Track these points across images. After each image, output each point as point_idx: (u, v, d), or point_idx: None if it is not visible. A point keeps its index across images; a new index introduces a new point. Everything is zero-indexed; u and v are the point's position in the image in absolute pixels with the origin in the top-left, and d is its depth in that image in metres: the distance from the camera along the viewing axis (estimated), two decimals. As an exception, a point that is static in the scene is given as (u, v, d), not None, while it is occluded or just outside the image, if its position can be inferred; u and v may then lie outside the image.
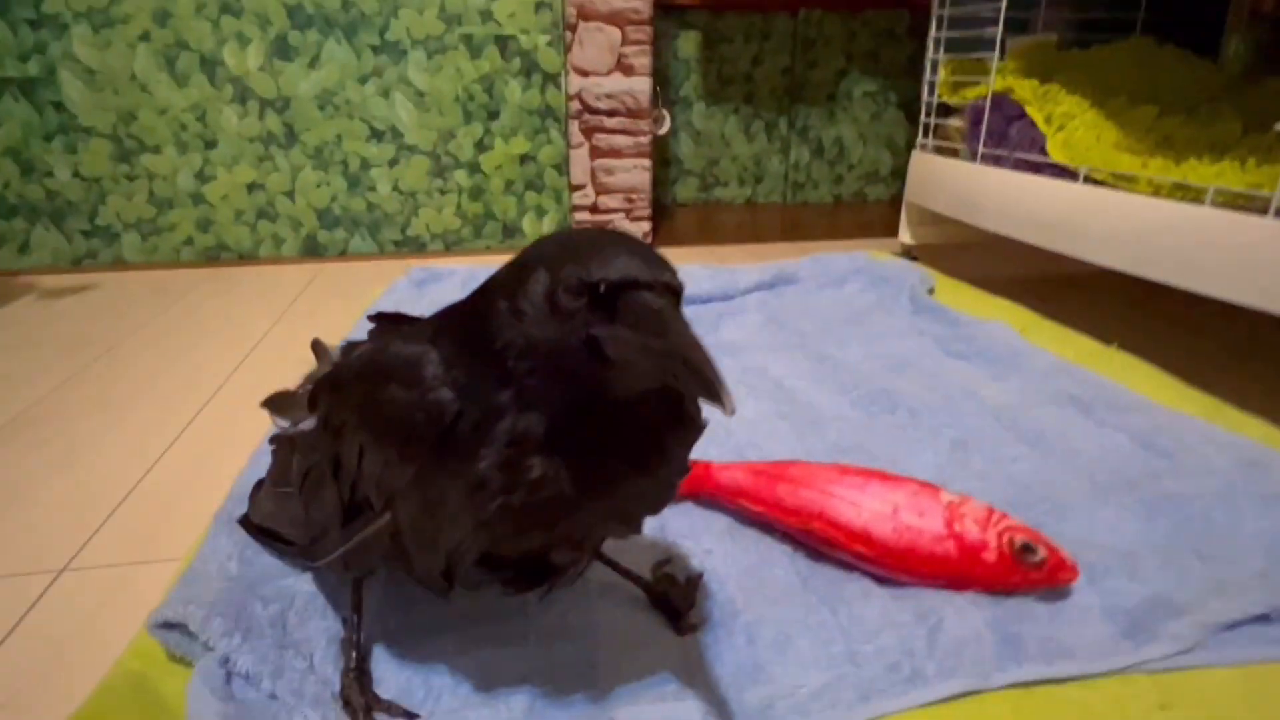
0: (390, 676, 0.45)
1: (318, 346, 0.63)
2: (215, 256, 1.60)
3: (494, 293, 0.36)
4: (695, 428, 0.40)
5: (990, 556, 0.49)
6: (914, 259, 1.42)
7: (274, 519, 0.52)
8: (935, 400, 0.79)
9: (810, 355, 0.93)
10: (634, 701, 0.42)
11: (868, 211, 2.18)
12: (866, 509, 0.52)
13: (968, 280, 1.24)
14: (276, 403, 0.56)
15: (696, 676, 0.44)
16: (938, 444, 0.71)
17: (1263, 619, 0.47)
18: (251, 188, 1.57)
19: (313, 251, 1.64)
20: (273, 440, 0.56)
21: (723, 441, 0.72)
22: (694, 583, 0.52)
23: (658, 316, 0.32)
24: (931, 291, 1.16)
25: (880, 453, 0.69)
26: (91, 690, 0.43)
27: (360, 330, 1.04)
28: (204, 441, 0.82)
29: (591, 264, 0.33)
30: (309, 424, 0.47)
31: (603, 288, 0.32)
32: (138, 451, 0.80)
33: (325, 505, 0.44)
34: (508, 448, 0.35)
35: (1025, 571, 0.48)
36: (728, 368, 0.89)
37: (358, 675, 0.43)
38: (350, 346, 0.47)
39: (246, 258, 1.61)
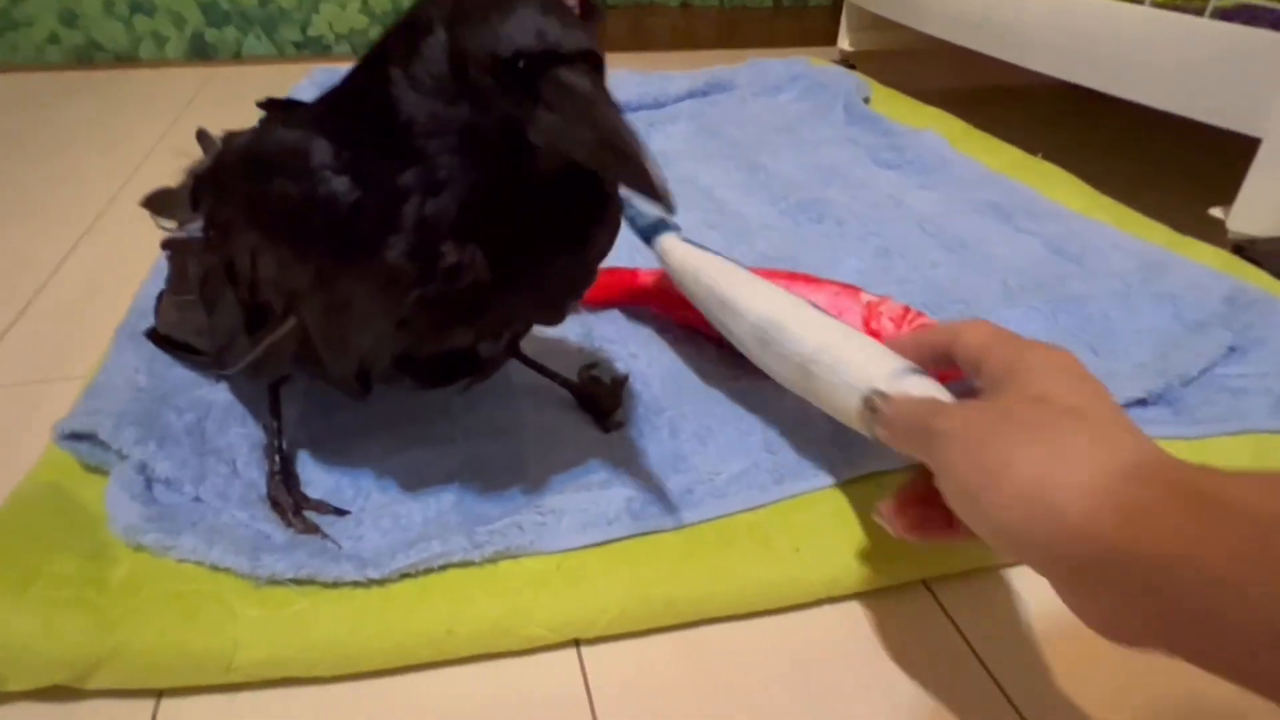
0: (318, 479, 0.45)
1: (203, 137, 0.57)
2: (87, 57, 1.42)
3: (386, 61, 0.33)
4: (615, 205, 0.39)
5: (903, 352, 0.50)
6: (852, 67, 1.37)
7: (179, 329, 0.50)
8: (862, 209, 0.79)
9: (742, 165, 0.90)
10: (561, 491, 0.44)
11: (808, 17, 2.07)
12: (788, 310, 0.52)
13: (905, 89, 1.21)
14: (157, 201, 0.52)
15: (621, 467, 0.46)
16: (862, 251, 0.72)
17: (1140, 403, 0.51)
18: (119, -26, 1.37)
19: (201, 53, 1.47)
20: (165, 245, 0.52)
21: (649, 252, 0.71)
22: (619, 383, 0.53)
23: (587, 102, 0.29)
24: (867, 100, 1.12)
25: (807, 261, 0.70)
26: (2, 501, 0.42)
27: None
28: (100, 256, 0.77)
29: (500, 28, 0.29)
30: (198, 225, 0.44)
31: (521, 63, 0.29)
32: (28, 266, 0.74)
33: (227, 312, 0.41)
34: (416, 234, 0.33)
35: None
36: (657, 178, 0.87)
37: (283, 476, 0.43)
38: (231, 136, 0.43)
39: (124, 59, 1.44)
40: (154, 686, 0.36)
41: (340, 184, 0.32)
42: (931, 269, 0.69)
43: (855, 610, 0.43)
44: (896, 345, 0.41)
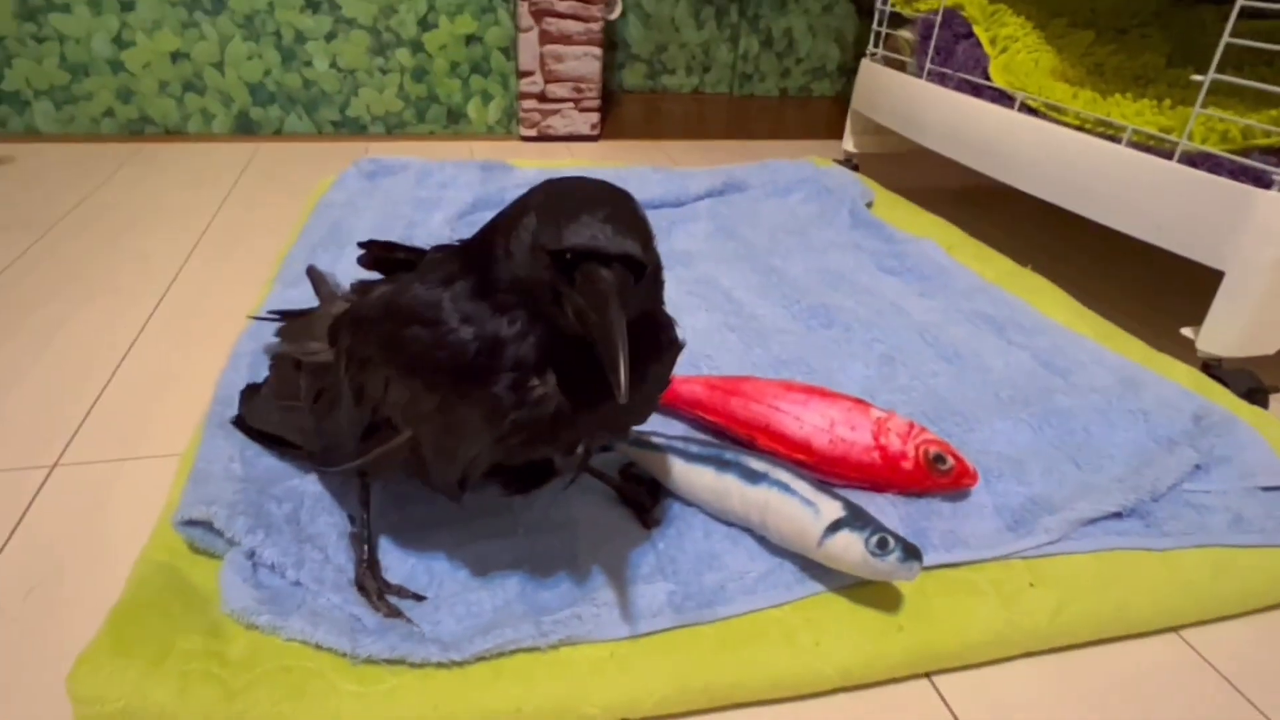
0: (396, 565, 0.51)
1: (314, 274, 0.66)
2: (139, 130, 1.51)
3: (495, 233, 0.41)
4: (673, 349, 0.46)
5: (908, 465, 0.58)
6: (855, 167, 1.48)
7: (280, 427, 0.56)
8: (868, 315, 0.87)
9: (757, 267, 0.99)
10: (610, 584, 0.50)
11: (813, 109, 2.20)
12: (807, 423, 0.59)
13: (905, 189, 1.31)
14: (291, 331, 0.60)
15: (663, 563, 0.52)
16: (868, 358, 0.79)
17: (1115, 516, 0.58)
18: (176, 57, 1.47)
19: (246, 129, 1.57)
20: (274, 358, 0.60)
21: (692, 348, 0.78)
22: (656, 483, 0.59)
23: (601, 296, 0.37)
24: (870, 205, 1.22)
25: (818, 365, 0.77)
26: (117, 581, 0.48)
27: (317, 226, 1.04)
28: (168, 335, 0.84)
29: (565, 228, 0.38)
30: (322, 354, 0.51)
31: (568, 255, 0.37)
32: (105, 343, 0.81)
33: (339, 423, 0.48)
34: (512, 372, 0.40)
35: (935, 478, 0.58)
36: (681, 277, 0.95)
37: (370, 564, 0.49)
38: (364, 286, 0.51)
39: (173, 133, 1.53)
40: (264, 752, 0.42)
41: (466, 333, 0.40)
42: (931, 378, 0.76)
43: (866, 698, 0.49)
44: None
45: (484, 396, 0.40)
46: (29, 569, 0.53)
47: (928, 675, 0.51)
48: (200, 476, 0.54)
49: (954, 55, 1.19)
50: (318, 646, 0.44)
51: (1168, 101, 0.95)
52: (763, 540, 0.55)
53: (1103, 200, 0.91)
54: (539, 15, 1.55)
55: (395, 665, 0.44)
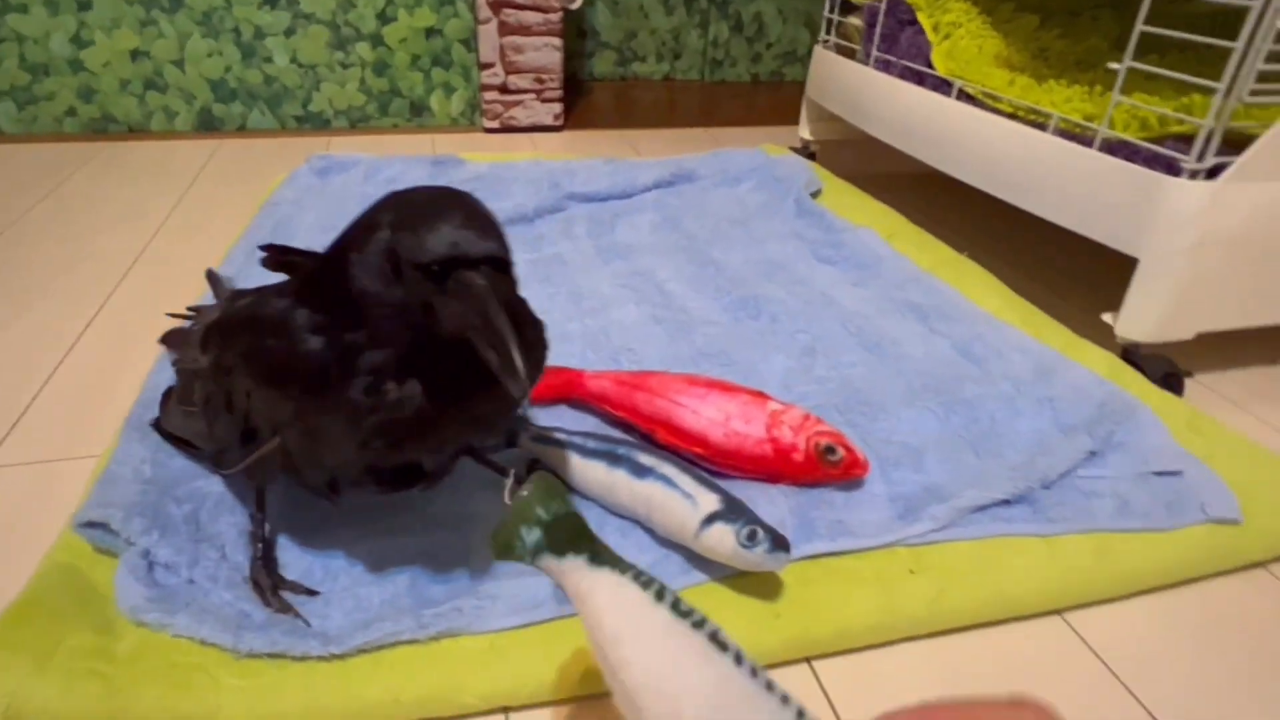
0: (293, 562, 0.53)
1: (212, 277, 0.67)
2: (102, 129, 1.53)
3: (346, 248, 0.42)
4: (541, 344, 0.48)
5: (799, 457, 0.59)
6: (812, 155, 1.48)
7: (184, 430, 0.58)
8: (796, 306, 0.89)
9: (695, 259, 1.00)
10: (498, 578, 0.52)
11: (784, 93, 2.20)
12: (704, 416, 0.61)
13: (859, 176, 1.31)
14: (173, 339, 0.61)
15: (552, 556, 0.54)
16: (790, 349, 0.81)
17: (1005, 503, 0.60)
18: (135, 55, 1.48)
19: (209, 126, 1.58)
20: (175, 365, 0.61)
21: (601, 345, 0.80)
22: (558, 477, 0.61)
23: (479, 299, 0.38)
24: (818, 194, 1.23)
25: (739, 357, 0.79)
26: (27, 580, 0.50)
27: (262, 224, 1.05)
28: (109, 337, 0.85)
29: (427, 238, 0.39)
30: (201, 360, 0.53)
31: (434, 266, 0.39)
32: (47, 344, 0.83)
33: (225, 427, 0.50)
34: (368, 377, 0.42)
35: (826, 469, 0.59)
36: (617, 270, 0.96)
37: (264, 561, 0.51)
38: (236, 295, 0.53)
39: (136, 130, 1.54)
40: (149, 743, 0.44)
41: (314, 343, 0.42)
42: (849, 368, 0.78)
43: (744, 684, 0.51)
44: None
45: (339, 403, 0.42)
46: (-54, 570, 0.55)
47: (807, 660, 0.52)
48: (108, 478, 0.56)
49: (898, 42, 1.19)
50: (203, 642, 0.46)
51: (1099, 88, 0.96)
52: (652, 533, 0.57)
53: (1029, 188, 0.92)
54: (497, 7, 1.56)
55: (278, 659, 0.46)
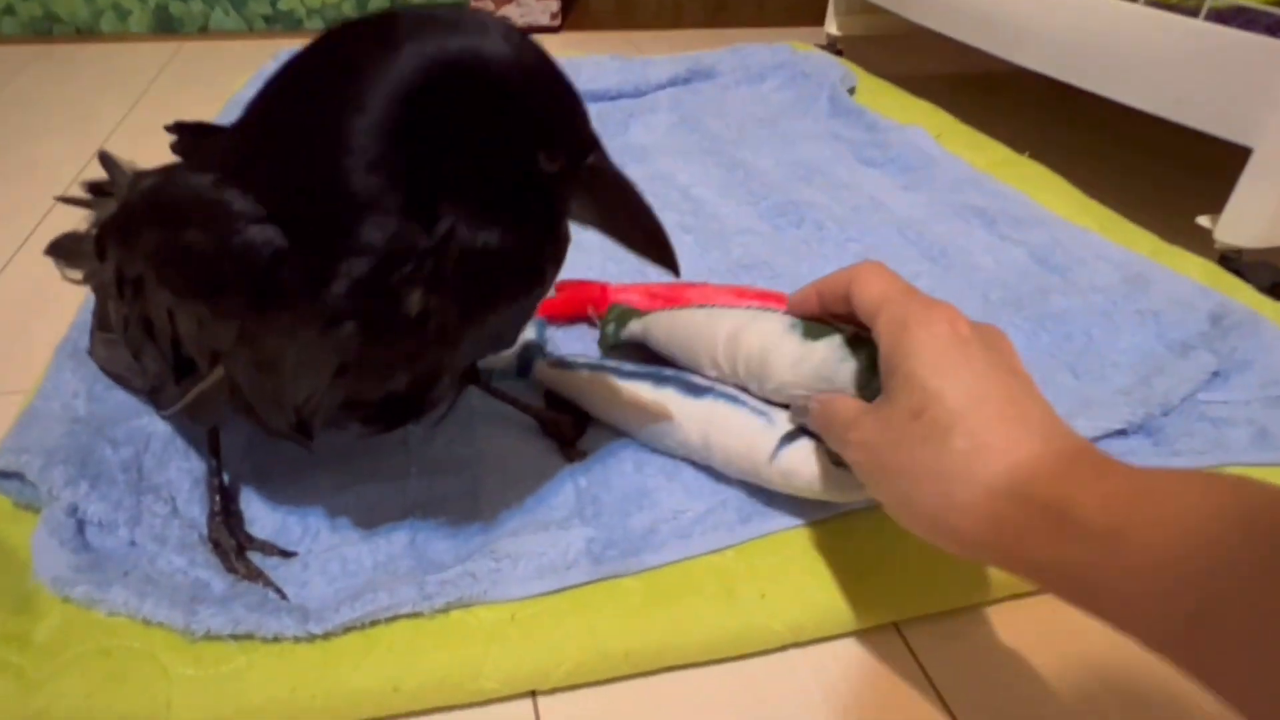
0: (264, 517, 0.43)
1: (107, 160, 0.53)
2: (46, 30, 1.36)
3: (339, 111, 0.29)
4: (566, 246, 0.38)
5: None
6: (839, 52, 1.34)
7: (110, 363, 0.47)
8: (843, 212, 0.77)
9: (721, 162, 0.88)
10: (518, 532, 0.42)
11: (798, -7, 2.02)
12: (760, 334, 0.50)
13: (892, 76, 1.18)
14: (64, 247, 0.48)
15: (582, 504, 0.44)
16: (842, 258, 0.70)
17: (1120, 433, 0.50)
18: (77, -57, 1.31)
19: (167, 27, 1.41)
20: (85, 280, 0.49)
21: (621, 255, 0.67)
22: (584, 412, 0.51)
23: (625, 190, 0.34)
24: (852, 91, 1.09)
25: (784, 268, 0.68)
26: (-71, 542, 0.40)
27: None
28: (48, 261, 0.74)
29: (561, 117, 0.32)
30: (96, 270, 0.41)
31: (590, 158, 0.33)
32: (-27, 266, 0.71)
33: (152, 359, 0.39)
34: (348, 279, 0.30)
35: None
36: (634, 174, 0.84)
37: (225, 516, 0.41)
38: (140, 177, 0.40)
39: (85, 32, 1.38)
40: (82, 750, 0.35)
41: (261, 233, 0.30)
42: (914, 279, 0.65)
43: (821, 654, 0.41)
44: (800, 294, 0.43)
45: (304, 318, 0.31)
46: None
47: (895, 625, 0.43)
48: (30, 415, 0.45)
49: (949, -89, 1.04)
50: (146, 621, 0.36)
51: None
52: (705, 472, 0.46)
53: (1116, 72, 0.79)
54: (484, -115, 1.38)
55: (244, 641, 0.36)
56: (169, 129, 0.40)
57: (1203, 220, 0.73)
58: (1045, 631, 0.43)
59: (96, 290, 0.47)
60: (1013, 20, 0.92)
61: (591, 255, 0.68)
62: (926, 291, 0.64)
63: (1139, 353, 0.58)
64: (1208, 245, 0.73)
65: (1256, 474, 0.47)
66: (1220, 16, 0.71)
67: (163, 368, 0.38)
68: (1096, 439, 0.50)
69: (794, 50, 1.18)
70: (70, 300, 0.63)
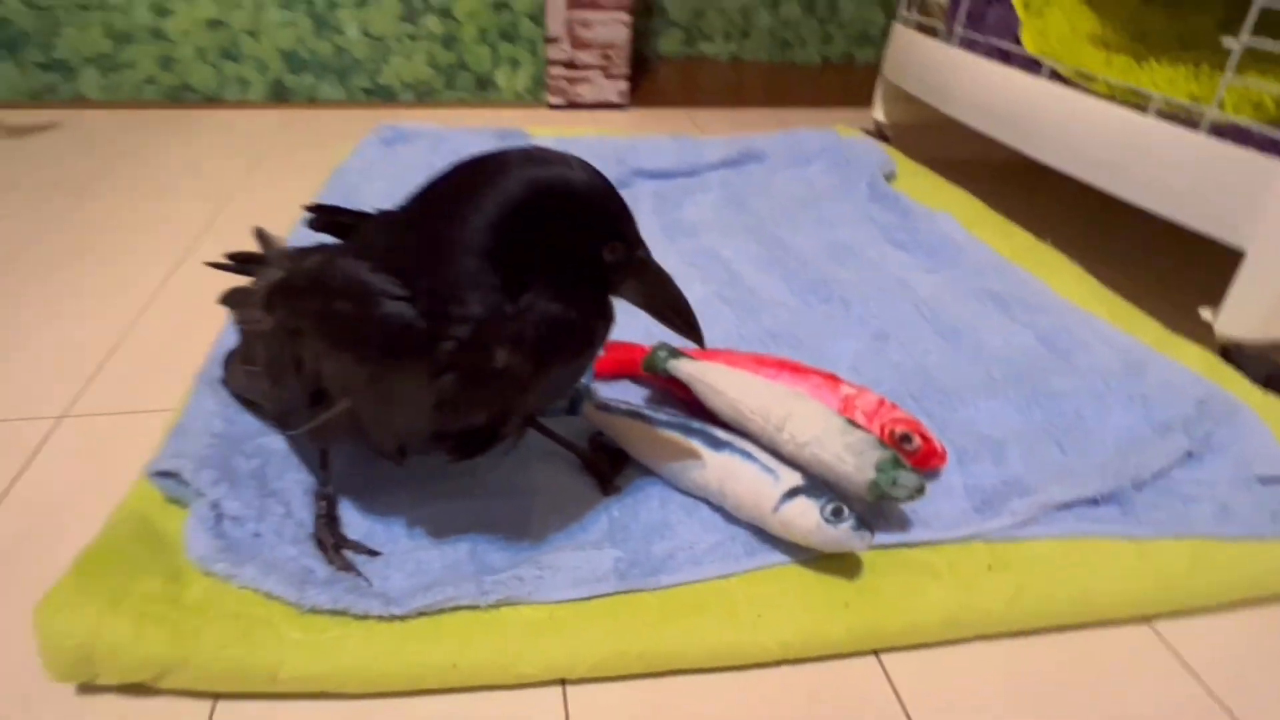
0: (356, 522, 0.53)
1: (261, 235, 0.67)
2: (179, 97, 1.56)
3: (450, 210, 0.41)
4: (613, 322, 0.49)
5: (873, 442, 0.57)
6: (885, 137, 1.43)
7: (248, 391, 0.59)
8: (869, 290, 0.85)
9: (763, 239, 0.97)
10: (559, 548, 0.51)
11: (856, 76, 2.13)
12: (775, 397, 0.59)
13: (934, 160, 1.26)
14: (235, 299, 0.61)
15: (614, 530, 0.53)
16: (861, 334, 0.78)
17: (1092, 502, 0.57)
18: (213, 25, 1.51)
19: (280, 96, 1.60)
20: (238, 323, 0.62)
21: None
22: (622, 453, 0.60)
23: (664, 279, 0.47)
24: (891, 177, 1.19)
25: (808, 340, 0.76)
26: (101, 525, 0.51)
27: (332, 193, 1.06)
28: (183, 295, 0.87)
29: (619, 224, 0.44)
30: (264, 323, 0.53)
31: (638, 254, 0.45)
32: (123, 302, 0.85)
33: (290, 390, 0.50)
34: (453, 342, 0.41)
35: (902, 456, 0.57)
36: (683, 249, 0.94)
37: (328, 520, 0.51)
38: (301, 253, 0.52)
39: (212, 99, 1.58)
40: (213, 690, 0.44)
41: (395, 307, 0.41)
42: (924, 355, 0.74)
43: (809, 673, 0.49)
44: None
45: (418, 370, 0.41)
46: (28, 513, 0.57)
47: (875, 653, 0.50)
48: (180, 431, 0.57)
49: (985, 20, 1.14)
50: (268, 595, 0.46)
51: (1205, 68, 0.89)
52: (719, 512, 0.55)
53: (1125, 173, 0.87)
54: (567, -20, 1.54)
55: (340, 616, 0.46)
56: (307, 209, 0.52)
57: (1204, 313, 0.79)
58: (1015, 673, 0.49)
59: (246, 333, 0.59)
60: (1036, 122, 1.00)
61: (638, 319, 0.78)
62: (932, 366, 0.73)
63: (1124, 432, 0.64)
64: (1211, 336, 0.79)
65: (1214, 546, 0.53)
66: (1219, 130, 0.78)
67: (298, 397, 0.49)
68: (1070, 505, 0.56)
69: (840, 135, 1.29)
70: (200, 338, 0.76)
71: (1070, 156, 0.94)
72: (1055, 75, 1.00)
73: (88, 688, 0.45)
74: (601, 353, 0.66)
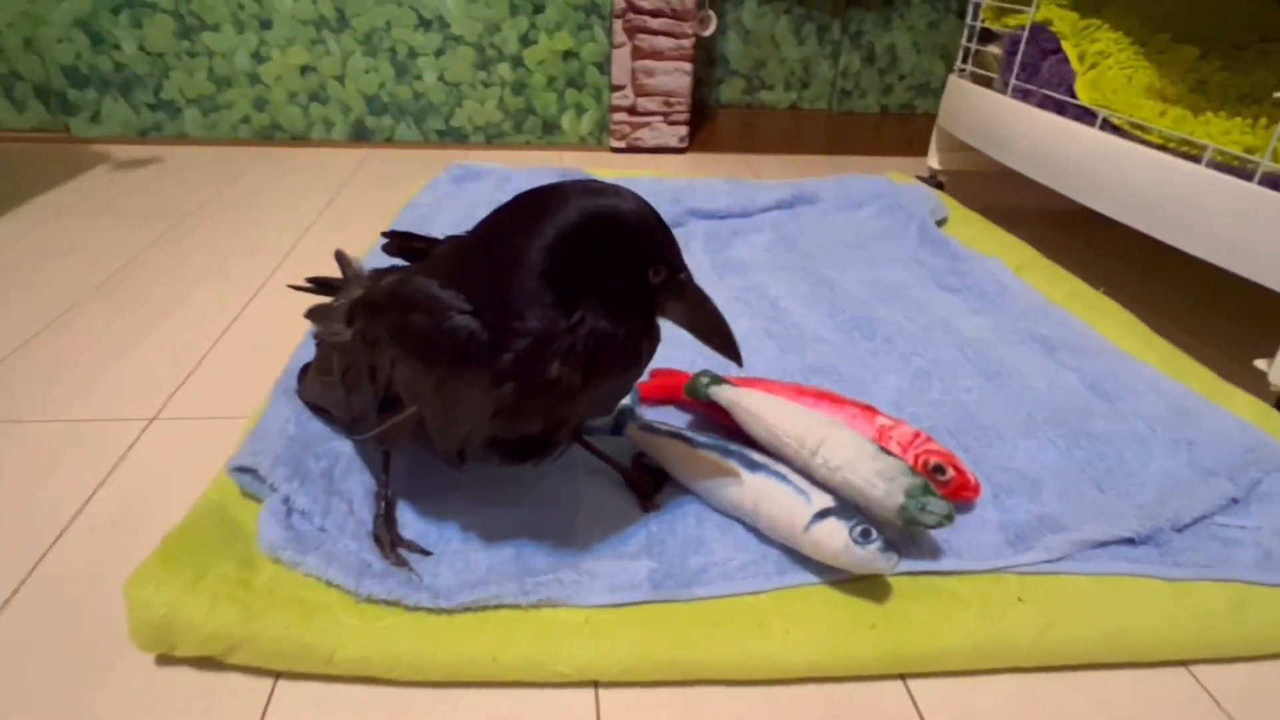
0: (412, 523, 0.57)
1: (341, 257, 0.73)
2: (269, 136, 1.68)
3: (513, 235, 0.46)
4: (657, 341, 0.52)
5: (907, 472, 0.58)
6: (940, 184, 1.45)
7: (321, 399, 0.64)
8: (914, 330, 0.87)
9: (810, 278, 1.00)
10: (598, 557, 0.54)
11: (914, 126, 2.16)
12: (812, 425, 0.61)
13: (988, 209, 1.28)
14: (317, 314, 0.67)
15: (651, 544, 0.56)
16: (903, 371, 0.79)
17: (1128, 541, 0.57)
18: (304, 70, 1.63)
19: (361, 136, 1.71)
20: (316, 337, 0.67)
21: (710, 355, 0.81)
22: (662, 473, 0.62)
23: (705, 301, 0.50)
24: (943, 222, 1.20)
25: (849, 375, 0.78)
26: (184, 515, 0.56)
27: (402, 224, 1.14)
28: (265, 314, 0.94)
29: (664, 249, 0.47)
30: (344, 335, 0.58)
31: (680, 277, 0.49)
32: (210, 319, 0.92)
33: (363, 397, 0.55)
34: (511, 354, 0.45)
35: (935, 488, 0.58)
36: (731, 285, 0.98)
37: (386, 519, 0.55)
38: (378, 273, 0.58)
39: (299, 139, 1.69)
40: (275, 668, 0.48)
41: (462, 321, 0.45)
42: (964, 394, 0.75)
43: (834, 692, 0.50)
44: None
45: (481, 378, 0.46)
46: (120, 501, 0.62)
47: (902, 677, 0.51)
48: (259, 433, 0.62)
49: (1039, 71, 1.16)
50: (329, 583, 0.50)
51: (1264, 121, 0.89)
52: (753, 532, 0.57)
53: (1178, 222, 0.87)
54: (632, 32, 1.62)
55: (392, 606, 0.49)
56: (384, 234, 0.57)
57: (1259, 363, 0.78)
58: (1045, 707, 0.49)
59: (323, 346, 0.64)
60: (1089, 170, 1.01)
61: (684, 350, 0.81)
62: (973, 405, 0.73)
63: (1167, 476, 0.64)
64: (1265, 387, 0.77)
65: (1257, 592, 0.53)
66: (1272, 181, 0.78)
67: (369, 403, 0.53)
68: (1106, 544, 0.56)
69: (893, 181, 1.31)
70: (278, 353, 0.82)
71: (1123, 205, 0.95)
72: (1108, 125, 1.01)
73: (164, 660, 0.49)
74: (647, 377, 0.70)
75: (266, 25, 1.58)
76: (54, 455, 0.68)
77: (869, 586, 0.53)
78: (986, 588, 0.54)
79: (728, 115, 2.14)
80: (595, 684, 0.49)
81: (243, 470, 0.57)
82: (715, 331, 0.50)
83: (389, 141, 1.73)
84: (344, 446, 0.62)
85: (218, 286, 1.01)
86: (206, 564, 0.50)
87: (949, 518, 0.52)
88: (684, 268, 0.49)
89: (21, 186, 1.33)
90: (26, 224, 1.19)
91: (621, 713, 0.48)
